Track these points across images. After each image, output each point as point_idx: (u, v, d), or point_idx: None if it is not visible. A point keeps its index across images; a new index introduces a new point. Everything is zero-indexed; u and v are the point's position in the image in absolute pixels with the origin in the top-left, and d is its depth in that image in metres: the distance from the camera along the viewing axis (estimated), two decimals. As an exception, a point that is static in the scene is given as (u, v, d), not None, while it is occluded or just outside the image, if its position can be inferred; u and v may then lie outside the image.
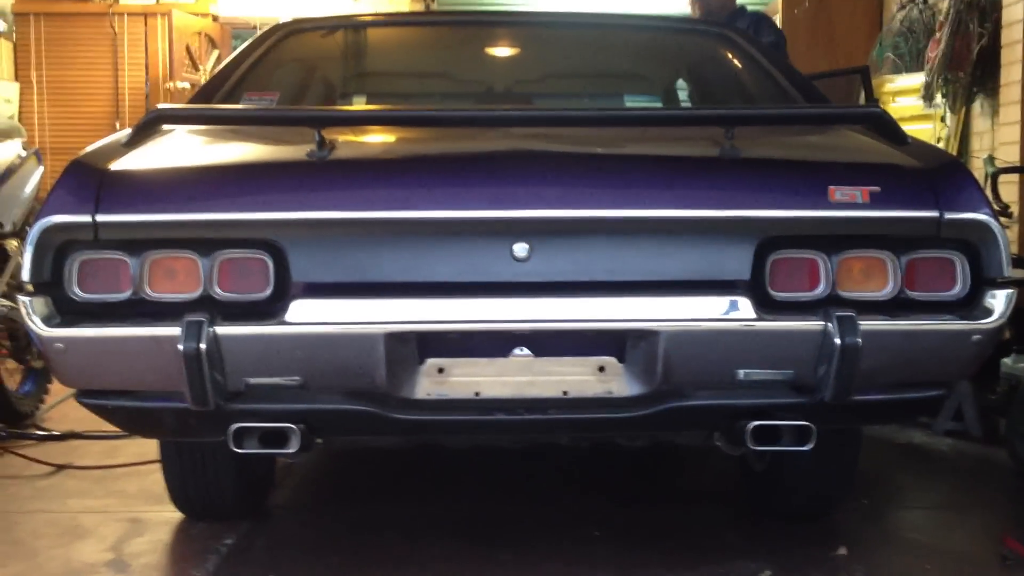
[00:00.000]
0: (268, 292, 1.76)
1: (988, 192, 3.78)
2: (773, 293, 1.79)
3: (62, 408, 3.65)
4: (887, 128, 1.96)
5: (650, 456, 2.99)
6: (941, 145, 4.69)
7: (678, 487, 2.86)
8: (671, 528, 2.43)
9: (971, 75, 4.63)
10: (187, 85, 7.29)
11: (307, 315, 1.75)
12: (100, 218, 1.74)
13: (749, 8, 4.43)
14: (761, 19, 4.18)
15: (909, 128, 2.15)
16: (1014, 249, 3.91)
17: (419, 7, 7.68)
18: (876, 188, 1.79)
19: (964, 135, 4.86)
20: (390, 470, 2.91)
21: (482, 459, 2.92)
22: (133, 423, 2.01)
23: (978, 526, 2.53)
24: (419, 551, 2.26)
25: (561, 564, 2.20)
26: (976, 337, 1.79)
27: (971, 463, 3.08)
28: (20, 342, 3.52)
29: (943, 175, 1.85)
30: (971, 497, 2.78)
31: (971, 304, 1.81)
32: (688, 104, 3.08)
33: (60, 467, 2.94)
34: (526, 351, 1.82)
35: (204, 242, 1.76)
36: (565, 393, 1.83)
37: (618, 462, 2.95)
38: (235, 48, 7.10)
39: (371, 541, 2.34)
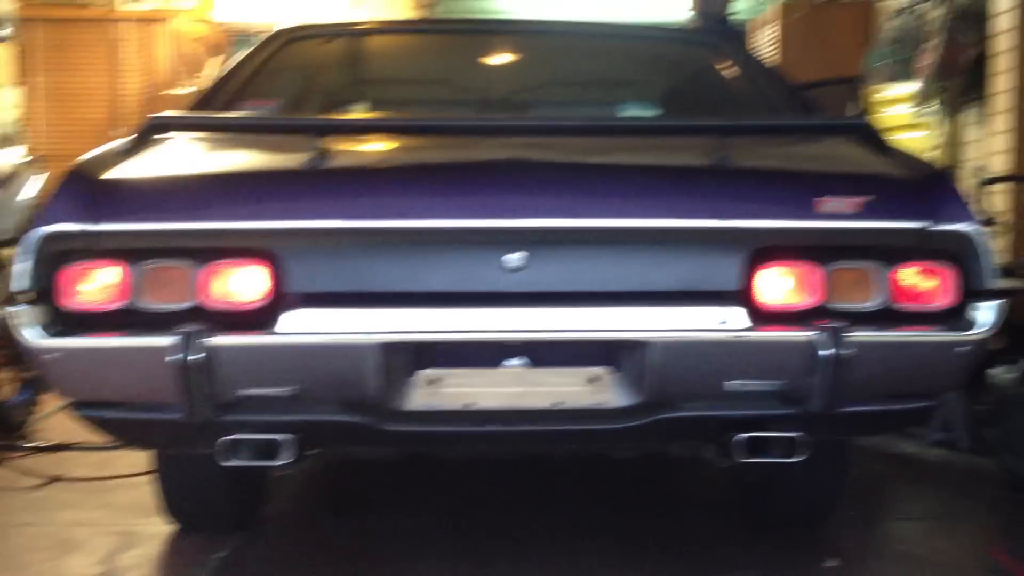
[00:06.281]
0: (261, 302, 1.76)
1: (979, 201, 3.81)
2: (763, 304, 1.80)
3: (54, 419, 3.65)
4: (873, 139, 1.98)
5: (644, 465, 3.00)
6: (933, 154, 4.70)
7: (671, 496, 2.86)
8: (665, 538, 2.43)
9: (962, 84, 4.65)
10: (186, 91, 7.30)
11: (300, 325, 1.75)
12: (96, 227, 1.74)
13: (741, 17, 4.44)
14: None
15: (901, 137, 2.16)
16: (1007, 259, 3.93)
17: (419, 14, 7.68)
18: (864, 199, 1.80)
19: (955, 144, 4.88)
20: (384, 481, 2.90)
21: (475, 469, 2.92)
22: (125, 434, 2.00)
23: (967, 537, 2.54)
24: (413, 563, 2.26)
25: None
26: (963, 348, 1.80)
27: (960, 474, 3.08)
28: (14, 351, 3.51)
29: (930, 186, 1.86)
30: (960, 508, 2.78)
31: (958, 315, 1.82)
32: (681, 114, 3.09)
33: (51, 479, 2.93)
34: (519, 362, 1.83)
35: (199, 251, 1.76)
36: (558, 404, 1.84)
37: (612, 472, 2.96)
38: (234, 55, 7.11)
39: (365, 554, 2.34)
